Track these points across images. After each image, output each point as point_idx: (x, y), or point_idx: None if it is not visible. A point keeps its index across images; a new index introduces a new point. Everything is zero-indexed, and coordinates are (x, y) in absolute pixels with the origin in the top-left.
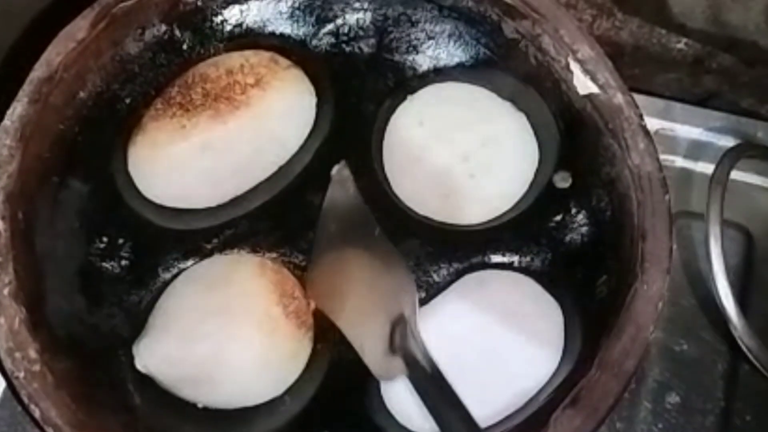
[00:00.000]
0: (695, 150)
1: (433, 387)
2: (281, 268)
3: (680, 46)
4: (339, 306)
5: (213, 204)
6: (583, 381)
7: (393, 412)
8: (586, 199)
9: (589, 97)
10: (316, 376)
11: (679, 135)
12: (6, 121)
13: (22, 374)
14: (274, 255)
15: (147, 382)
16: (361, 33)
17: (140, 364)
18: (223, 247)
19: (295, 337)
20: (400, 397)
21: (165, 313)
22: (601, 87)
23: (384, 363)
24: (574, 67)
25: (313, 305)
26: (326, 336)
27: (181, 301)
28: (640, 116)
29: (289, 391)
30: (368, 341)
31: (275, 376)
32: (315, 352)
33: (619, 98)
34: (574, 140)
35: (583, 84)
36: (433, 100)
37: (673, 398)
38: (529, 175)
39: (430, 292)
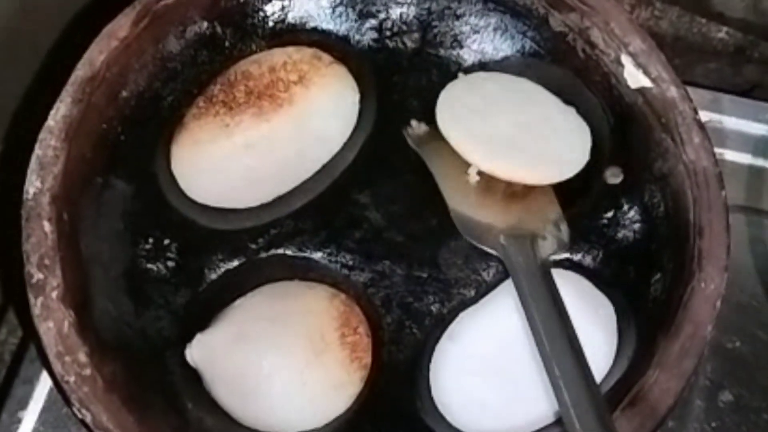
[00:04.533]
0: (745, 142)
1: None
2: (353, 304)
3: (721, 35)
4: None
5: (257, 203)
6: (641, 381)
7: (444, 413)
8: (638, 195)
9: (641, 90)
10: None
11: (728, 127)
12: (50, 122)
13: (72, 378)
14: (320, 254)
15: (195, 385)
16: (404, 28)
17: (189, 355)
18: (269, 247)
19: (344, 368)
20: (452, 399)
21: (229, 314)
22: (653, 80)
23: None
24: (626, 60)
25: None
26: (379, 382)
27: (248, 307)
28: (695, 110)
29: (326, 426)
30: None
31: (312, 402)
32: (363, 397)
33: (672, 92)
34: (625, 135)
35: (634, 77)
36: (477, 90)
37: (726, 396)
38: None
39: (480, 291)
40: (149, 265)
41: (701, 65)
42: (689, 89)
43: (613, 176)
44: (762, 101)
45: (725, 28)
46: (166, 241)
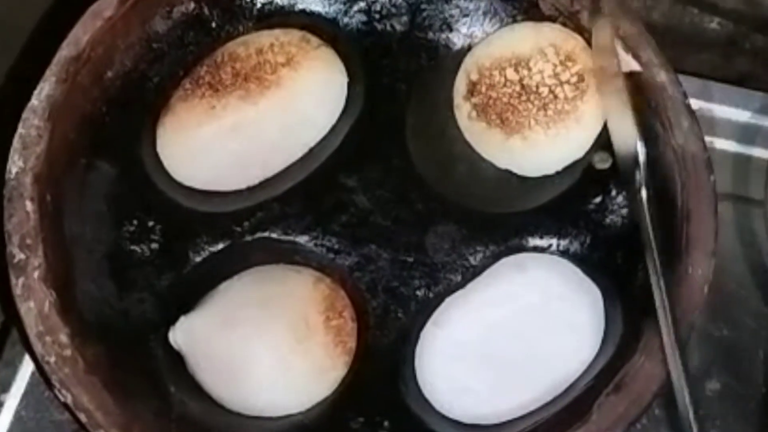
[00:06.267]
0: (735, 131)
1: None
2: (338, 288)
3: (713, 26)
4: None
5: (243, 186)
6: (626, 367)
7: (429, 399)
8: (626, 180)
9: (631, 75)
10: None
11: (717, 115)
12: (33, 101)
13: (53, 359)
14: (306, 238)
15: (178, 368)
16: (393, 10)
17: (173, 338)
18: (254, 231)
19: (328, 352)
20: (437, 384)
21: (214, 297)
22: (643, 65)
23: None
24: (616, 44)
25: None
26: (364, 367)
27: (233, 290)
28: (684, 95)
29: (311, 411)
30: None
31: (296, 387)
32: (347, 381)
33: (662, 76)
34: None
35: (624, 61)
36: None
37: (713, 385)
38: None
39: (467, 276)
40: (133, 247)
41: (693, 56)
42: (681, 77)
43: (602, 161)
44: (754, 90)
45: (717, 19)
46: (151, 223)
